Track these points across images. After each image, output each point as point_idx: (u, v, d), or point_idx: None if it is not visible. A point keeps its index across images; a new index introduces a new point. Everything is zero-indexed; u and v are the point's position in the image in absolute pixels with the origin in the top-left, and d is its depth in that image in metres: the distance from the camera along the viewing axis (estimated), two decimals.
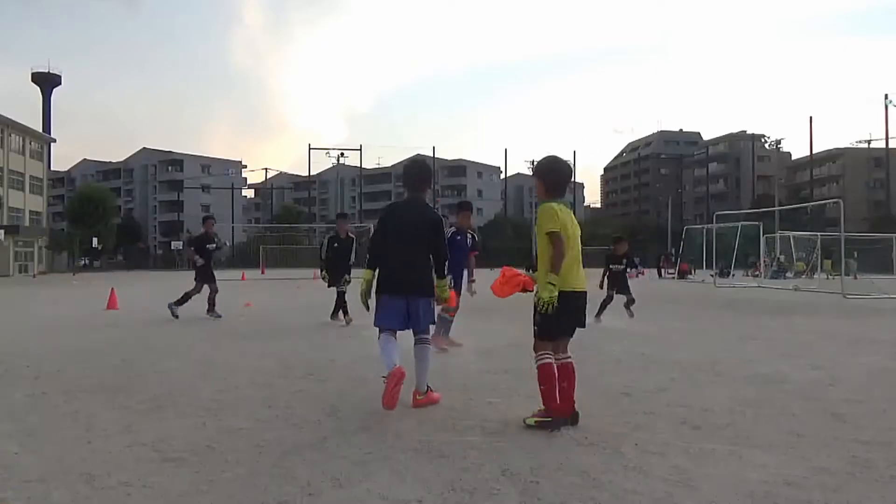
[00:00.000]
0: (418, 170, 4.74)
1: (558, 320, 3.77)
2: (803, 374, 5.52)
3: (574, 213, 4.07)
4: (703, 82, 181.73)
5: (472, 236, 7.53)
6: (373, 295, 4.44)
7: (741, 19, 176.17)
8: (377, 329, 4.39)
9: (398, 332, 4.35)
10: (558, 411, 3.72)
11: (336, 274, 9.95)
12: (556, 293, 3.70)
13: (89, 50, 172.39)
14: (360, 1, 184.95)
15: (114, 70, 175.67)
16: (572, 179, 4.16)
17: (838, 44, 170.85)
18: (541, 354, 3.80)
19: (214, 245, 11.33)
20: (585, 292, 3.96)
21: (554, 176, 3.99)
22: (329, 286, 10.07)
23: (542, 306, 3.72)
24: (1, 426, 3.84)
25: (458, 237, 7.29)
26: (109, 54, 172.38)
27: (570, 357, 3.91)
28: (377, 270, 4.43)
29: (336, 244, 10.03)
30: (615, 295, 10.25)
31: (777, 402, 4.43)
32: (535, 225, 4.08)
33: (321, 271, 10.22)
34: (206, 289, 10.97)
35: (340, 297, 9.86)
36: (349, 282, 9.92)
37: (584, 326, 3.99)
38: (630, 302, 10.30)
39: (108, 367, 5.91)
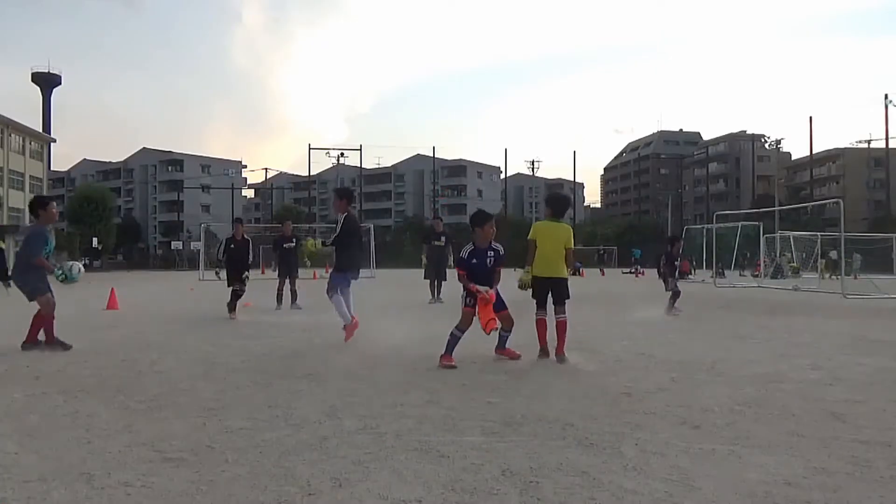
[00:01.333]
0: (350, 194, 8.11)
1: (535, 293, 6.18)
2: (803, 374, 5.52)
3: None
4: (703, 82, 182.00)
5: (497, 252, 6.07)
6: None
7: (741, 19, 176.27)
8: (337, 289, 7.38)
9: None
10: (543, 350, 6.10)
11: (232, 274, 10.91)
12: (529, 277, 6.22)
13: (89, 50, 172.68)
14: (360, 1, 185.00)
15: (114, 70, 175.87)
16: (571, 203, 6.52)
17: (838, 44, 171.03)
18: (537, 313, 6.22)
19: (293, 243, 12.97)
20: (552, 278, 6.14)
21: (552, 206, 6.40)
22: (228, 285, 10.93)
23: (521, 284, 6.32)
24: (1, 426, 3.84)
25: (475, 260, 5.95)
26: (109, 54, 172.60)
27: (564, 316, 6.09)
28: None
29: (232, 245, 11.09)
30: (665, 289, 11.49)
31: (777, 402, 4.43)
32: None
33: (216, 270, 11.19)
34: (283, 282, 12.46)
35: (235, 294, 10.76)
36: (248, 279, 11.02)
37: (563, 298, 6.12)
38: (676, 295, 11.25)
39: (108, 367, 5.91)
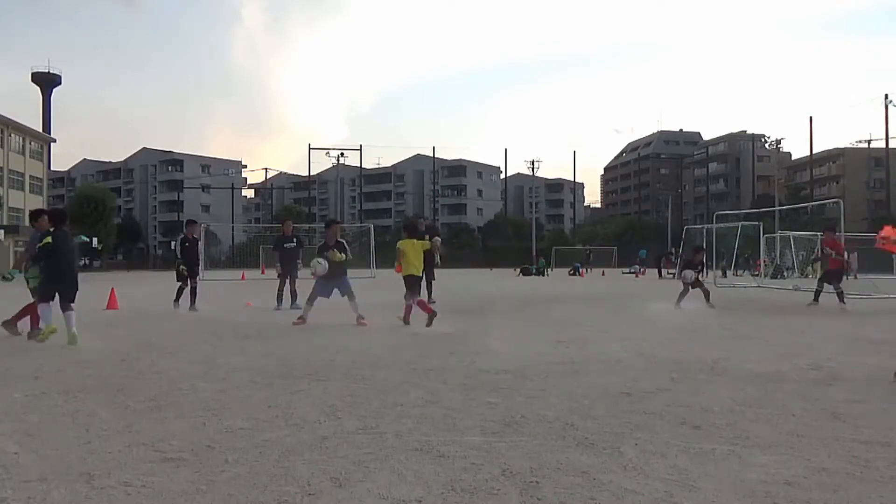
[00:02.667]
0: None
1: (410, 285, 9.20)
2: (803, 374, 5.52)
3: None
4: (703, 82, 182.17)
5: None
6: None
7: (741, 19, 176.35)
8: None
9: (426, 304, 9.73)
10: (407, 317, 9.16)
11: (186, 270, 11.92)
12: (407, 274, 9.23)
13: (89, 50, 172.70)
14: (360, 1, 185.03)
15: (114, 70, 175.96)
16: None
17: (838, 44, 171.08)
18: (411, 297, 9.15)
19: (293, 243, 13.12)
20: (416, 275, 9.40)
21: (409, 231, 9.68)
22: (178, 280, 11.99)
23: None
24: (1, 426, 3.84)
25: None
26: (109, 54, 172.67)
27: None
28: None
29: (187, 244, 12.15)
30: (691, 289, 12.77)
31: (777, 402, 4.43)
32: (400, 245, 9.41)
33: (177, 268, 12.16)
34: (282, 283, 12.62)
35: (192, 289, 11.91)
36: (197, 274, 12.22)
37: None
38: (707, 295, 12.69)
39: (108, 366, 5.91)
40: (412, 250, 9.23)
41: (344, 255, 9.48)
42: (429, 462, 3.15)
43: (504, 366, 5.87)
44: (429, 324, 8.58)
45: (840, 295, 13.22)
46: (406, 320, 9.06)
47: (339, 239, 9.79)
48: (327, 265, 9.30)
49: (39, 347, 7.21)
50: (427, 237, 14.01)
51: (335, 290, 9.61)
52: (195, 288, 12.05)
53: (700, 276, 13.28)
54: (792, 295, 18.33)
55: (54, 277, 7.63)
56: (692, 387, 4.98)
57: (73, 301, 7.63)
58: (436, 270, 13.79)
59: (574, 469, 3.04)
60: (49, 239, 7.53)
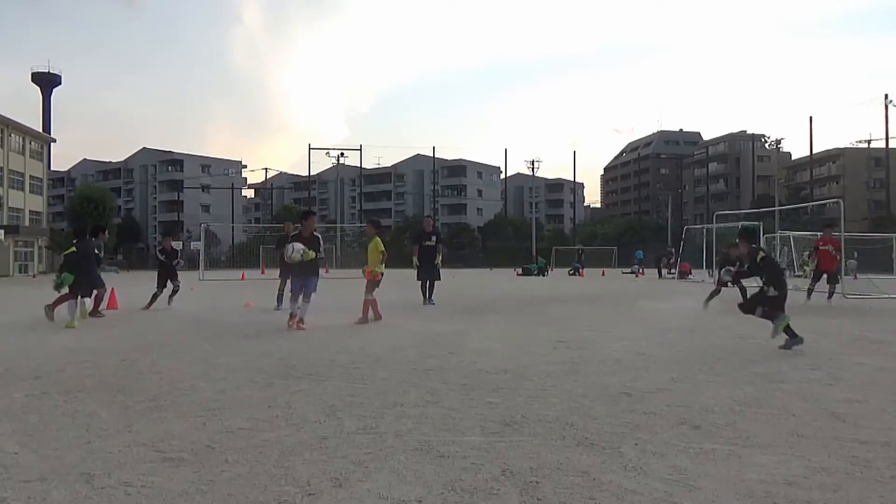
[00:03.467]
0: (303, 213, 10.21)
1: (377, 284, 9.80)
2: (803, 374, 5.52)
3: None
4: (703, 82, 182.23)
5: None
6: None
7: (741, 19, 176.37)
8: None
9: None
10: (365, 319, 9.60)
11: (160, 279, 13.06)
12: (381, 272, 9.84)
13: (89, 50, 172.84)
14: (360, 1, 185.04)
15: (114, 70, 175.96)
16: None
17: (838, 44, 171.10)
18: (370, 295, 9.65)
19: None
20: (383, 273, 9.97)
21: (376, 227, 10.24)
22: (157, 287, 13.01)
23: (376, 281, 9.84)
24: (1, 426, 3.84)
25: None
26: (109, 54, 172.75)
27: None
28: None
29: (164, 256, 13.38)
30: (724, 288, 12.46)
31: (777, 402, 4.43)
32: (371, 244, 9.95)
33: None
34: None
35: (155, 296, 12.80)
36: (165, 285, 13.03)
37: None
38: (716, 293, 12.38)
39: (108, 367, 5.91)
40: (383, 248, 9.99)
41: (314, 254, 9.11)
42: (429, 462, 3.15)
43: (504, 366, 5.87)
44: (359, 322, 9.47)
45: (831, 293, 13.38)
46: (367, 318, 9.61)
47: (314, 233, 9.50)
48: (302, 248, 8.95)
49: (39, 347, 7.21)
50: (434, 239, 14.08)
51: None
52: (156, 295, 12.79)
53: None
54: (791, 295, 18.31)
55: (83, 279, 9.81)
56: (692, 387, 4.98)
57: (86, 296, 10.14)
58: (439, 271, 13.81)
59: (574, 469, 3.04)
60: (73, 248, 9.93)
